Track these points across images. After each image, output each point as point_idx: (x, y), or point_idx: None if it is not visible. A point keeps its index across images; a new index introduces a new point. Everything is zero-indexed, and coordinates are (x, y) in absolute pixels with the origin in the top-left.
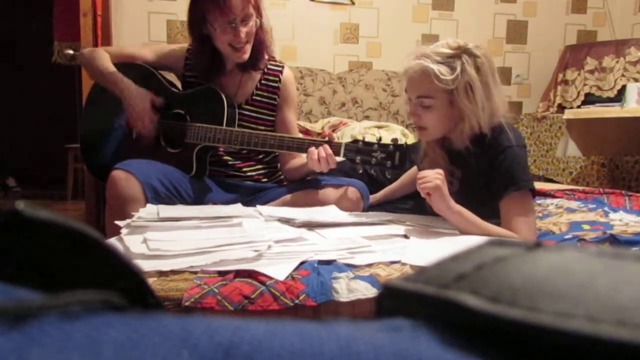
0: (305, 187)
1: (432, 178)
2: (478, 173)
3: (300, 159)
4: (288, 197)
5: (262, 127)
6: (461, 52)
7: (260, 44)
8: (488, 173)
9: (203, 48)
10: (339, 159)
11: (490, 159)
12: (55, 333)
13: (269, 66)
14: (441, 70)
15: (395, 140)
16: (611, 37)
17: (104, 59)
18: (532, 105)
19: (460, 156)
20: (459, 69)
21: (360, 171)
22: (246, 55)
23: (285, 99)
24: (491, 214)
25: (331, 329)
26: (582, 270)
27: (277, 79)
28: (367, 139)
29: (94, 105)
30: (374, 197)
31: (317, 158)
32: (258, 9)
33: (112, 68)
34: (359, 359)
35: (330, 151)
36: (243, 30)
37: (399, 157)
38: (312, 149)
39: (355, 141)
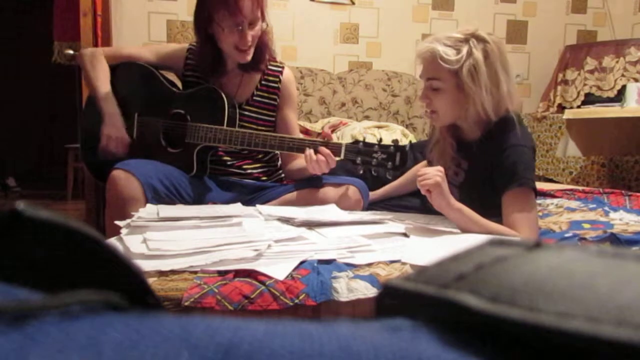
0: (305, 186)
1: (432, 175)
2: (483, 166)
3: (301, 159)
4: (288, 196)
5: (263, 128)
6: (470, 36)
7: (263, 46)
8: (492, 168)
9: (206, 46)
10: (339, 159)
11: (495, 154)
12: (55, 333)
13: (269, 67)
14: (447, 51)
15: (396, 141)
16: (611, 37)
17: (99, 71)
18: (532, 105)
19: (469, 147)
20: (464, 51)
21: (362, 171)
22: (249, 57)
23: (286, 99)
24: (493, 211)
25: (331, 329)
26: (582, 270)
27: (277, 79)
28: (367, 140)
29: (94, 106)
30: (375, 194)
31: (316, 160)
32: (262, 12)
33: (106, 87)
34: (359, 359)
35: (327, 151)
36: (250, 34)
37: (400, 158)
38: (308, 152)
39: (356, 142)
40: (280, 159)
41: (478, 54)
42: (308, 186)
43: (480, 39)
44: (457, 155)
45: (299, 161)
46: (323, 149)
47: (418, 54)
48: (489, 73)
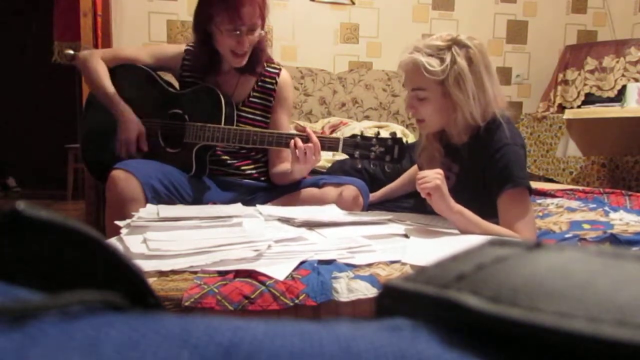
0: (304, 186)
1: (432, 178)
2: (475, 168)
3: (287, 164)
4: (288, 196)
5: (258, 129)
6: (452, 43)
7: (259, 50)
8: (484, 171)
9: (203, 46)
10: (339, 155)
11: (486, 156)
12: (55, 333)
13: (267, 68)
14: (430, 62)
15: (393, 134)
16: (611, 37)
17: (101, 72)
18: (532, 105)
19: (458, 151)
20: (448, 60)
21: (359, 166)
22: (244, 62)
23: (280, 101)
24: (490, 212)
25: (331, 329)
26: (582, 270)
27: (274, 81)
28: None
29: (94, 106)
30: (373, 196)
31: (303, 148)
32: (263, 19)
33: (111, 88)
34: (359, 359)
35: (315, 140)
36: (247, 39)
37: (398, 150)
38: (292, 142)
39: (354, 136)
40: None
41: (462, 61)
42: (308, 186)
43: (462, 45)
44: (447, 160)
45: (284, 164)
46: (312, 138)
47: (401, 65)
48: (474, 79)
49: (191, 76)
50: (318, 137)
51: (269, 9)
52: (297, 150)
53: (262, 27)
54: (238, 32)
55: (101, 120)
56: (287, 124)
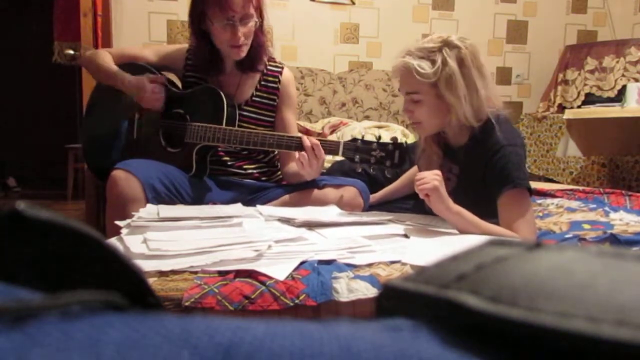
0: (305, 187)
1: (430, 179)
2: (474, 169)
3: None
4: (288, 197)
5: (262, 128)
6: (443, 45)
7: (259, 46)
8: (484, 172)
9: (201, 44)
10: (339, 158)
11: (484, 158)
12: (55, 333)
13: (269, 67)
14: (421, 64)
15: (394, 138)
16: (611, 37)
17: (106, 59)
18: (532, 105)
19: (458, 152)
20: (439, 62)
21: (359, 170)
22: (243, 54)
23: (284, 99)
24: (490, 213)
25: (331, 329)
26: (582, 270)
27: (277, 79)
28: (366, 138)
29: (96, 106)
30: (373, 197)
31: (306, 157)
32: (259, 10)
33: (115, 67)
34: (359, 359)
35: (315, 141)
36: (241, 30)
37: (399, 155)
38: (299, 154)
39: (354, 140)
40: (279, 159)
41: (453, 62)
42: (308, 187)
43: (453, 46)
44: (447, 161)
45: (295, 163)
46: (305, 143)
47: (394, 69)
48: (466, 81)
49: (194, 76)
50: (318, 140)
51: (264, 1)
52: (300, 159)
53: (259, 18)
54: (231, 23)
55: (103, 119)
56: (294, 123)
